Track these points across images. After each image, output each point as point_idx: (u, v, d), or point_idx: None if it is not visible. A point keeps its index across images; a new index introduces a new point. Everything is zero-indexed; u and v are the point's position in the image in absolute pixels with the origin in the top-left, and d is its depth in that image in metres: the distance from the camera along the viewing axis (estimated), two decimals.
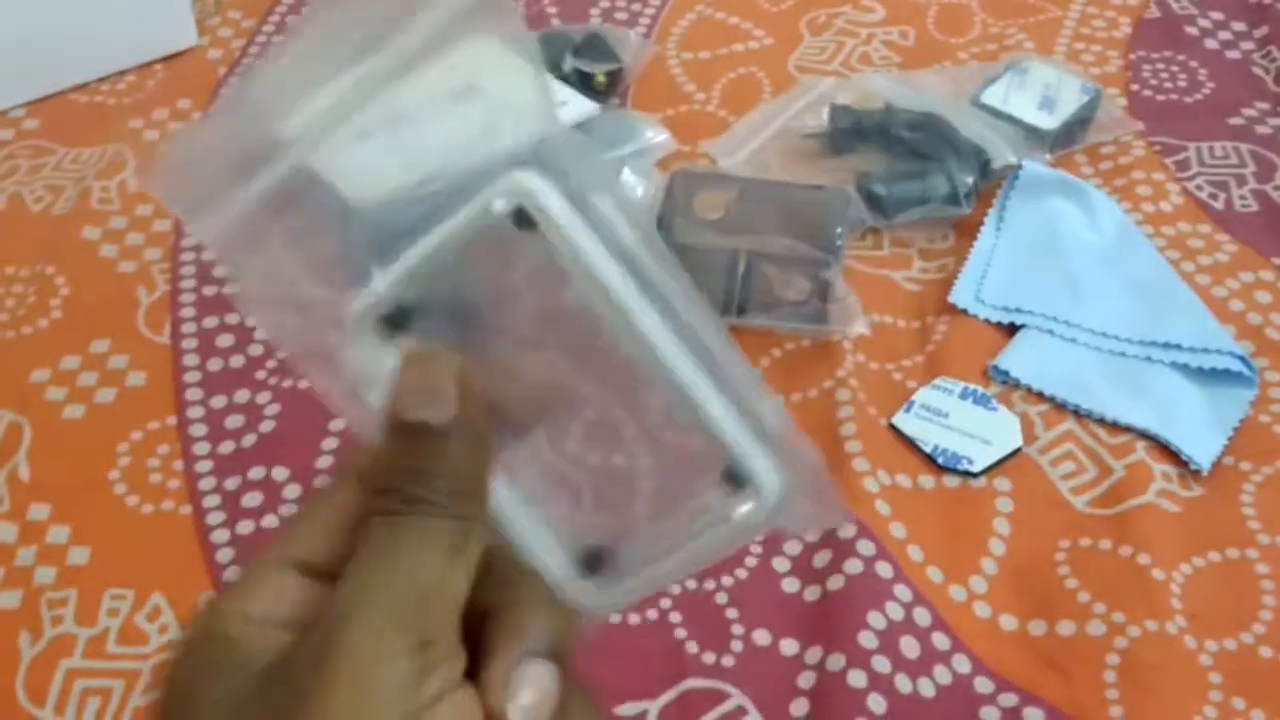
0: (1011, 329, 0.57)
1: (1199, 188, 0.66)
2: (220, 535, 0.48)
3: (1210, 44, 0.76)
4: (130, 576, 0.47)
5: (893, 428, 0.53)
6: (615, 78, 0.70)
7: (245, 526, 0.49)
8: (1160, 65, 0.74)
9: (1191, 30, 0.77)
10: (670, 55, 0.74)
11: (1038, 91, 0.68)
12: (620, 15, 0.77)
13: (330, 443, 0.51)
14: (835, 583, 0.46)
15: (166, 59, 0.73)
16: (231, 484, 0.50)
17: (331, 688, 0.20)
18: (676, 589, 0.47)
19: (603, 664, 0.44)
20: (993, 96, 0.67)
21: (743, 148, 0.67)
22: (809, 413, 0.53)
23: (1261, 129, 0.69)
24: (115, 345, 0.56)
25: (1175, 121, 0.70)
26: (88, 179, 0.65)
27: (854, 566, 0.46)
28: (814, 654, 0.44)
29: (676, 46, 0.75)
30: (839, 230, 0.56)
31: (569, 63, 0.69)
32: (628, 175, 0.62)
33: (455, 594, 0.22)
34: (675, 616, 0.46)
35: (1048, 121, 0.66)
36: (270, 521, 0.49)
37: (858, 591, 0.46)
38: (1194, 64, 0.74)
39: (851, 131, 0.66)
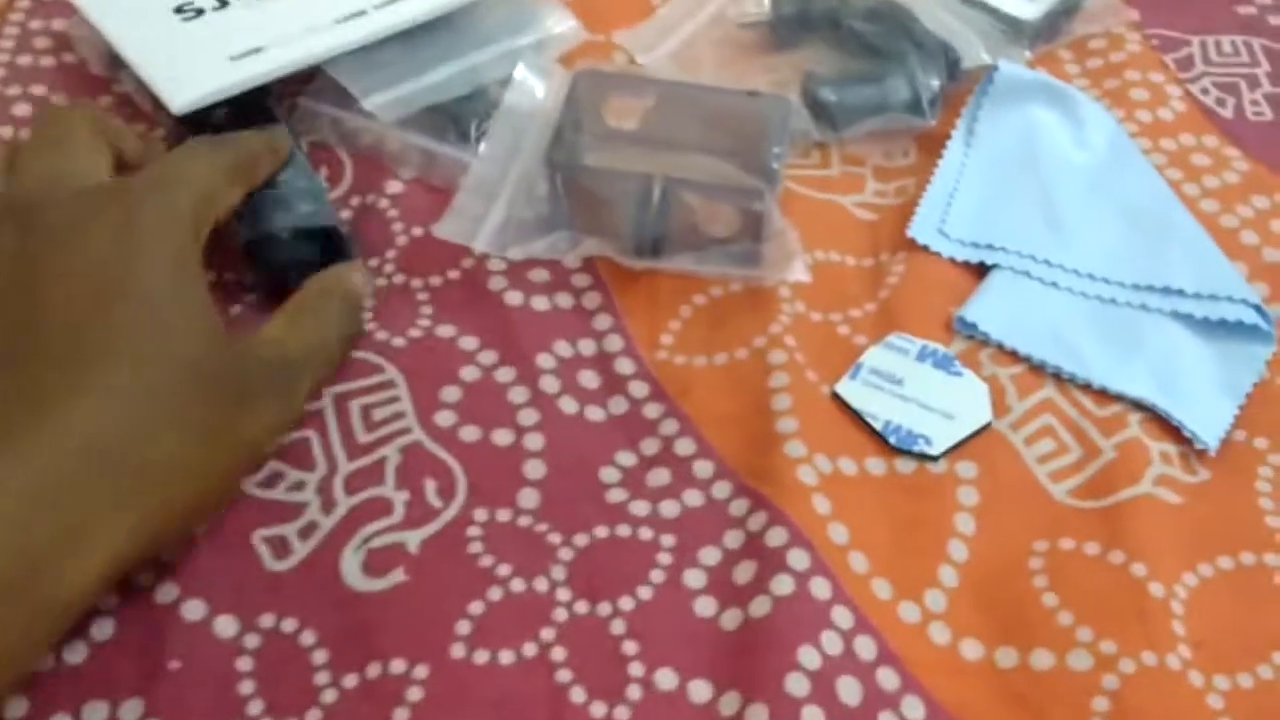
0: (981, 270, 0.48)
1: (1204, 91, 0.55)
2: None
3: None
4: None
5: (836, 397, 0.43)
6: None
7: None
8: None
9: None
10: None
11: None
12: None
13: None
14: (760, 607, 0.37)
15: None
16: None
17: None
18: (563, 615, 0.37)
19: (463, 716, 0.35)
20: None
21: (666, 40, 0.55)
22: (736, 379, 0.43)
23: (1276, 20, 0.59)
24: None
25: (1175, 10, 0.59)
26: None
27: (783, 585, 0.37)
28: (730, 702, 0.35)
29: None
30: (776, 151, 0.46)
31: None
32: (523, 73, 0.51)
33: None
34: (558, 653, 0.37)
35: (1028, 10, 0.55)
36: None
37: (787, 620, 0.37)
38: None
39: (797, 21, 0.55)
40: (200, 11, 0.51)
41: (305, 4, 0.51)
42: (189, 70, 0.48)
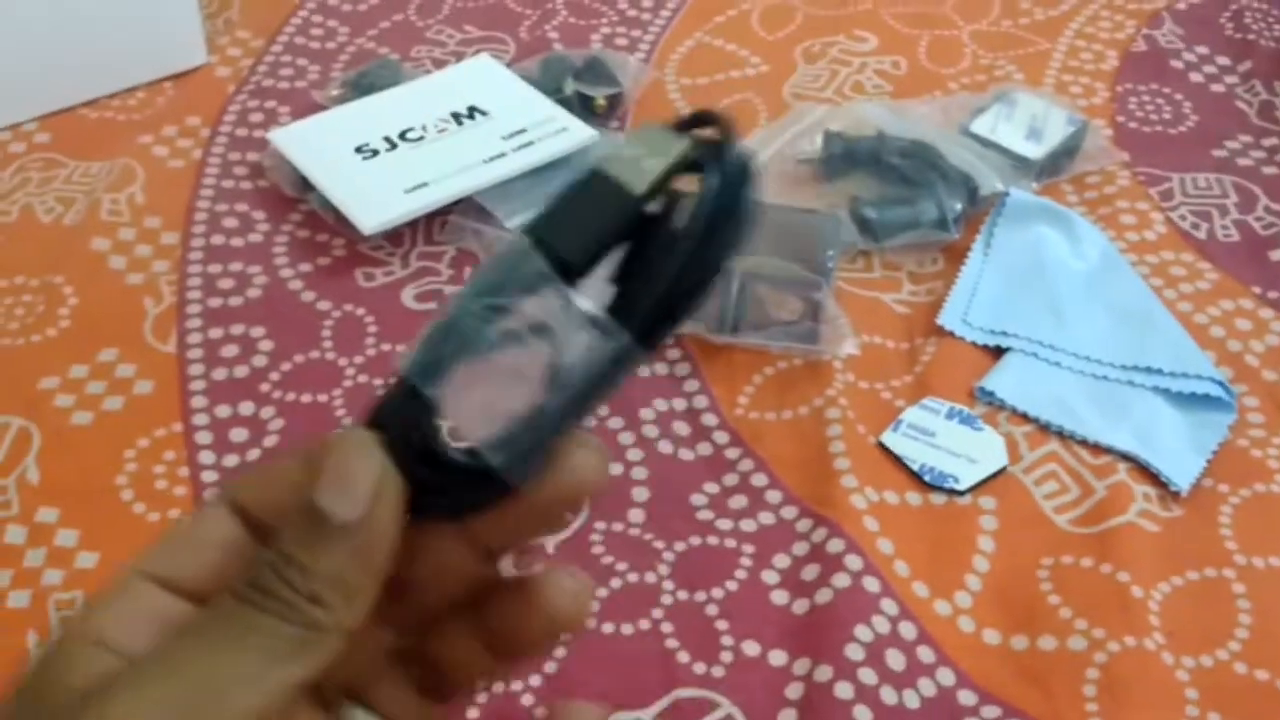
0: (998, 351, 0.59)
1: (1182, 217, 0.67)
2: None
3: (1195, 77, 0.78)
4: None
5: (881, 446, 0.54)
6: (615, 101, 0.71)
7: None
8: (1146, 98, 0.76)
9: (1177, 64, 0.79)
10: (669, 80, 0.76)
11: (1025, 122, 0.69)
12: (621, 41, 0.79)
13: None
14: (823, 596, 0.47)
15: (176, 77, 0.75)
16: None
17: None
18: (669, 600, 0.48)
19: (595, 673, 0.45)
20: (981, 126, 0.69)
21: None
22: (800, 430, 0.55)
23: (1244, 161, 0.71)
24: (123, 354, 0.57)
25: (1160, 152, 0.72)
26: (97, 191, 0.66)
27: (841, 580, 0.48)
28: (802, 665, 0.46)
29: (675, 72, 0.76)
30: (830, 253, 0.58)
31: (570, 86, 0.70)
32: None
33: (260, 706, 0.19)
34: (666, 627, 0.47)
35: (1034, 151, 0.68)
36: None
37: (845, 605, 0.47)
38: (1179, 97, 0.76)
39: (844, 157, 0.68)
40: (375, 152, 0.65)
41: (458, 147, 0.65)
42: (373, 200, 0.61)
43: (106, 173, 0.67)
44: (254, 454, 0.53)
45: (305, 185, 0.64)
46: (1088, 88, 0.77)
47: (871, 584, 0.48)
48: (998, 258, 0.63)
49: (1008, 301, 0.61)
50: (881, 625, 0.47)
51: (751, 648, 0.47)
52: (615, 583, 0.49)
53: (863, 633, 0.46)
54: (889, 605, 0.48)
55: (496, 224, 0.63)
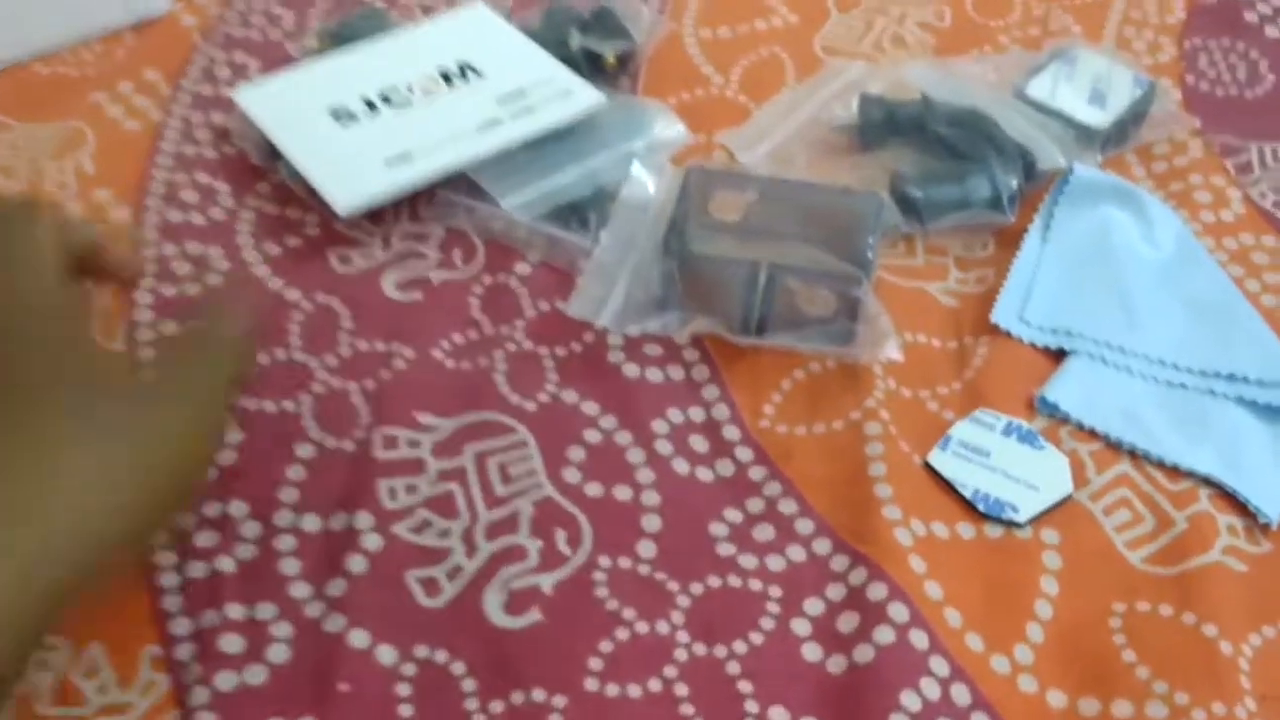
0: (1059, 354, 0.52)
1: (1262, 195, 0.60)
2: (169, 579, 0.43)
3: (1271, 32, 0.70)
4: (65, 625, 0.41)
5: (928, 467, 0.47)
6: (626, 58, 0.63)
7: (197, 569, 0.43)
8: (1218, 55, 0.68)
9: (1251, 16, 0.71)
10: (686, 32, 0.68)
11: (1087, 83, 0.61)
12: None
13: (296, 471, 0.46)
14: (863, 654, 0.41)
15: (137, 27, 0.67)
16: (184, 522, 0.45)
17: None
18: (683, 655, 0.41)
19: None
20: (1039, 89, 0.61)
21: (764, 140, 0.61)
22: (835, 448, 0.48)
23: None
24: None
25: (1234, 118, 0.64)
26: (41, 159, 0.59)
27: (885, 635, 0.41)
28: None
29: (693, 22, 0.68)
30: (870, 241, 0.50)
31: (575, 40, 0.63)
32: (638, 171, 0.56)
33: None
34: (680, 689, 0.41)
35: (1099, 118, 0.60)
36: (225, 564, 0.43)
37: (889, 666, 0.40)
38: (1254, 54, 0.68)
39: (883, 125, 0.60)
40: (353, 116, 0.57)
41: (447, 112, 0.58)
42: (350, 174, 0.53)
43: (51, 138, 0.60)
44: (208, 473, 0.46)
45: (274, 152, 0.57)
46: (1152, 44, 0.69)
47: (919, 639, 0.41)
48: (1058, 243, 0.55)
49: (1070, 295, 0.53)
50: (931, 690, 0.40)
51: (779, 715, 0.40)
52: (622, 634, 0.42)
53: (910, 700, 0.40)
54: (939, 665, 0.41)
55: (488, 200, 0.55)
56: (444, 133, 0.56)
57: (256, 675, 0.40)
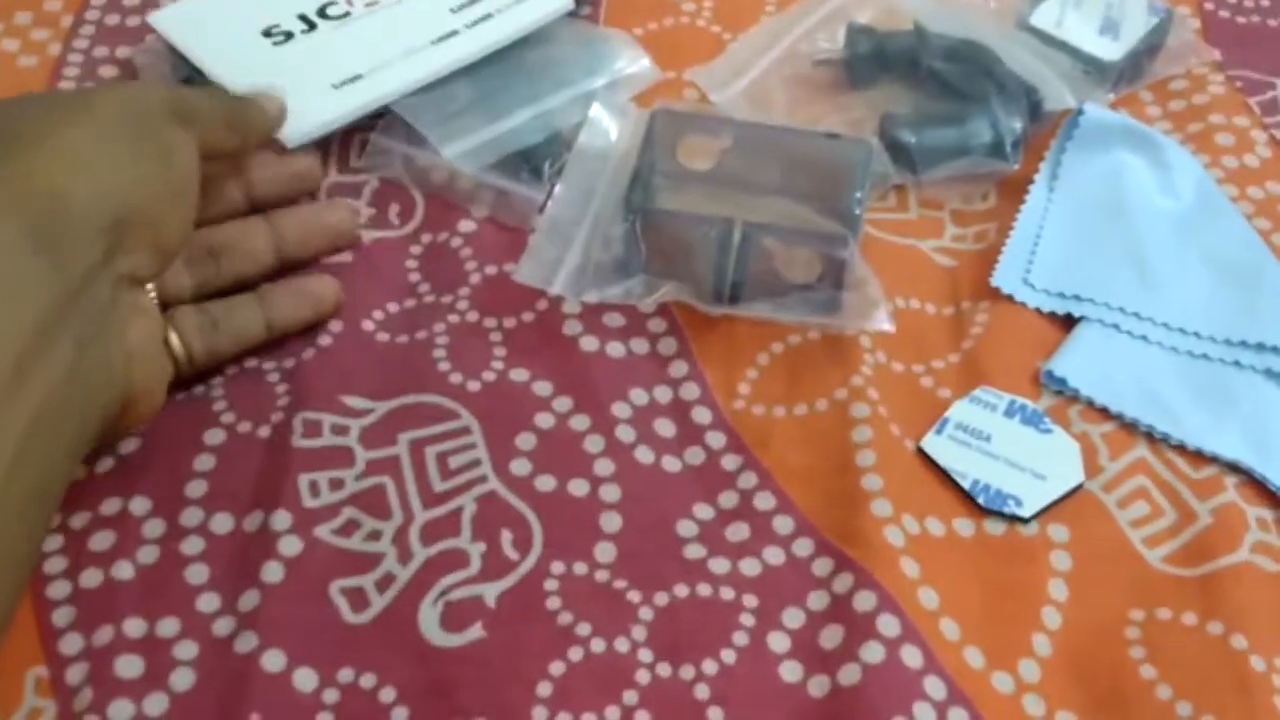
0: (1068, 321, 0.46)
1: None
2: (58, 589, 0.38)
3: None
4: None
5: (921, 453, 0.42)
6: None
7: (92, 578, 0.38)
8: None
9: None
10: None
11: (1098, 11, 0.55)
12: None
13: (204, 461, 0.40)
14: (849, 675, 0.36)
15: None
16: (78, 521, 0.39)
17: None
18: (645, 677, 0.36)
19: None
20: (1044, 18, 0.55)
21: (739, 77, 0.54)
22: (817, 432, 0.42)
23: None
24: None
25: (1258, 50, 0.58)
26: None
27: (874, 653, 0.36)
28: None
29: None
30: (858, 195, 0.45)
31: None
32: (598, 113, 0.50)
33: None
34: (642, 717, 0.36)
35: (1111, 50, 0.54)
36: (123, 570, 0.38)
37: (878, 688, 0.35)
38: None
39: (872, 59, 0.54)
40: (289, 35, 0.51)
41: (394, 26, 0.51)
42: (294, 100, 0.47)
43: None
44: (106, 464, 0.40)
45: (193, 85, 0.50)
46: None
47: (912, 657, 0.36)
48: (1067, 194, 0.50)
49: (1080, 254, 0.48)
50: (926, 716, 0.35)
51: None
52: (575, 653, 0.37)
53: None
54: (935, 686, 0.36)
55: (429, 146, 0.49)
56: (394, 49, 0.50)
57: (156, 705, 0.35)
